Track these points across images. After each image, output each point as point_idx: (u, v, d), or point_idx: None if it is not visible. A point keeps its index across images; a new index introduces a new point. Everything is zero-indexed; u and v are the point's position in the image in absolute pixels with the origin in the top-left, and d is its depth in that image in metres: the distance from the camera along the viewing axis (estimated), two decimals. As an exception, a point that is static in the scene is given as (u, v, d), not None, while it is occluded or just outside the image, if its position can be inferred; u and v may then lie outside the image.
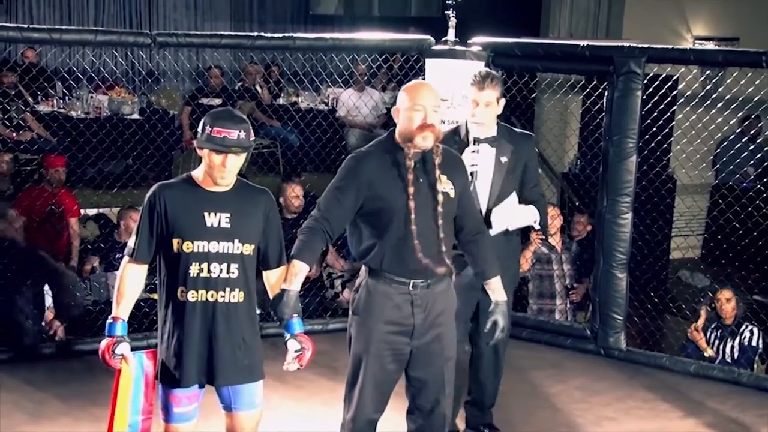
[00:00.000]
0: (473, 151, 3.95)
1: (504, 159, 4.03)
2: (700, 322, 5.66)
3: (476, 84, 3.98)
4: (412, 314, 3.38)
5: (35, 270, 5.37)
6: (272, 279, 3.32)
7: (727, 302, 5.60)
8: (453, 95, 5.32)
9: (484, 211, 3.98)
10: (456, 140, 3.99)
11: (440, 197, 3.32)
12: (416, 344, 3.41)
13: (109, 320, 3.15)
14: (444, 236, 3.34)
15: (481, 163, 3.97)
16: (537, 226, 4.14)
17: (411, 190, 3.28)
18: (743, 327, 5.58)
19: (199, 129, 3.14)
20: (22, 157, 7.70)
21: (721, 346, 5.59)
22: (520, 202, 4.06)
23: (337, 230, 3.40)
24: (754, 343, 5.54)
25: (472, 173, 3.89)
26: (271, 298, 3.31)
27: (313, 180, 6.69)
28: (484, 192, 4.00)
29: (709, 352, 5.55)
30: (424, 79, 5.44)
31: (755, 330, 5.56)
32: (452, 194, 3.38)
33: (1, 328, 5.20)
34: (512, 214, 4.02)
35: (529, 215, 4.07)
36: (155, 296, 3.46)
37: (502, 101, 4.04)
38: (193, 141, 3.22)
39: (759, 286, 6.66)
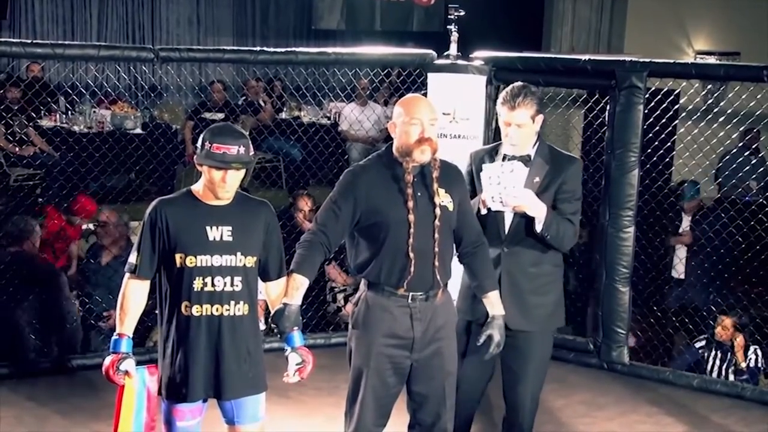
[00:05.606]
0: (501, 166, 3.53)
1: (537, 179, 3.59)
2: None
3: (506, 103, 3.55)
4: (411, 327, 3.36)
5: (39, 281, 5.34)
6: (272, 291, 3.33)
7: (723, 330, 5.61)
8: (455, 109, 5.33)
9: (506, 229, 3.62)
10: (493, 157, 3.66)
11: (438, 211, 3.32)
12: (416, 358, 3.40)
13: (115, 336, 3.15)
14: (441, 249, 3.34)
15: (511, 181, 3.50)
16: (538, 228, 3.56)
17: (411, 204, 3.29)
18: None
19: (198, 145, 3.15)
20: (24, 173, 7.73)
21: (723, 366, 5.57)
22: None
23: (335, 243, 3.40)
24: (760, 364, 5.52)
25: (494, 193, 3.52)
26: (271, 310, 3.32)
27: (315, 194, 6.69)
28: (508, 211, 3.60)
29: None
30: (426, 93, 5.45)
31: (758, 350, 5.55)
32: (450, 207, 3.38)
33: (2, 344, 5.19)
34: (504, 180, 3.50)
35: (532, 204, 3.52)
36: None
37: (539, 118, 3.55)
38: (195, 155, 3.22)
39: (762, 301, 6.64)
